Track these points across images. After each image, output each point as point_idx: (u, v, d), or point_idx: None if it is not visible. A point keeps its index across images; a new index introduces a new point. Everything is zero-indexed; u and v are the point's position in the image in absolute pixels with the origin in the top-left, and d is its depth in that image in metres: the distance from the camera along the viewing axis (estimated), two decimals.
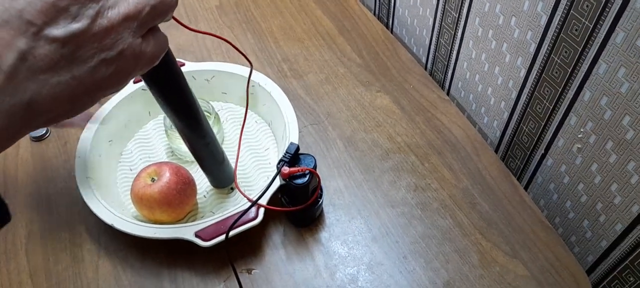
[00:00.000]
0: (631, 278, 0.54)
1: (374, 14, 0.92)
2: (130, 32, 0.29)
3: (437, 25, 0.73)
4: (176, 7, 0.33)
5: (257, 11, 0.86)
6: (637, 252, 0.52)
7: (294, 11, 0.86)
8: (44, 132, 0.66)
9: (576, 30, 0.48)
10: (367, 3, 0.94)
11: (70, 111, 0.29)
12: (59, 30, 0.26)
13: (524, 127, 0.62)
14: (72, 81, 0.27)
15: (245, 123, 0.67)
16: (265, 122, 0.67)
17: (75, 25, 0.27)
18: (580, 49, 0.49)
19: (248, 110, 0.67)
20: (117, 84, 0.30)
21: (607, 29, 0.45)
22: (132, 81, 0.66)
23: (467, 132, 0.66)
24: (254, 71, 0.66)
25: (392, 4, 0.84)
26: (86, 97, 0.29)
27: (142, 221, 0.54)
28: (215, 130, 0.61)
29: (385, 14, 0.88)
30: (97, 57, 0.28)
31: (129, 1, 0.29)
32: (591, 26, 0.47)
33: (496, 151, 0.71)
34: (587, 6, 0.46)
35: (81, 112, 0.30)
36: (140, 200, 0.52)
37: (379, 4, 0.89)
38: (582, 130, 0.53)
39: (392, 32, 0.89)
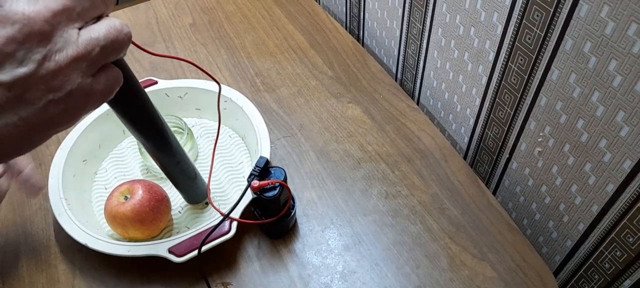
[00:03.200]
0: (596, 276, 0.56)
1: (345, 26, 0.94)
2: (80, 73, 0.29)
3: (404, 36, 0.75)
4: (129, 45, 0.32)
5: (230, 27, 0.87)
6: (600, 250, 0.54)
7: (266, 26, 0.87)
8: None
9: (529, 38, 0.51)
10: (339, 16, 0.96)
11: (21, 149, 0.30)
12: (4, 75, 0.26)
13: (489, 133, 0.64)
14: (19, 122, 0.27)
15: (220, 138, 0.68)
16: (239, 136, 0.68)
17: (22, 70, 0.26)
18: (534, 57, 0.51)
19: (222, 125, 0.69)
20: (66, 122, 0.30)
21: (557, 37, 0.47)
22: None
23: (436, 139, 0.67)
24: (226, 87, 0.68)
25: (362, 17, 0.86)
26: (35, 136, 0.29)
27: (117, 239, 0.54)
28: (188, 146, 0.62)
29: (356, 27, 0.90)
30: (45, 99, 0.28)
31: (78, 43, 0.29)
32: (542, 35, 0.49)
33: (465, 157, 0.73)
34: (537, 15, 0.48)
35: (33, 149, 0.30)
36: (113, 218, 0.53)
37: (350, 16, 0.91)
38: (541, 134, 0.55)
39: (363, 44, 0.91)
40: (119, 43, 0.31)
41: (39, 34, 0.27)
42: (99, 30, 0.30)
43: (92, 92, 0.31)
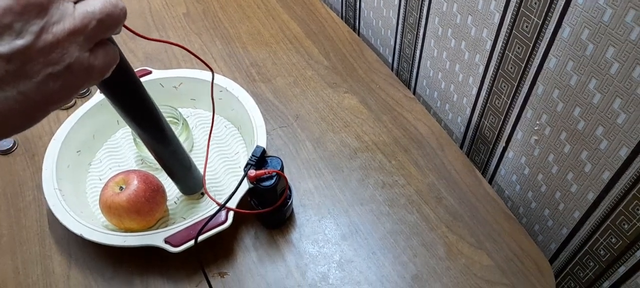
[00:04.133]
0: (591, 263, 0.57)
1: (341, 16, 0.94)
2: (77, 47, 0.29)
3: (400, 25, 0.75)
4: (125, 20, 0.33)
5: (224, 17, 0.87)
6: (595, 238, 0.54)
7: (262, 16, 0.87)
8: (12, 145, 0.66)
9: (527, 26, 0.51)
10: (334, 6, 0.95)
11: (21, 124, 0.30)
12: (2, 47, 0.26)
13: (486, 122, 0.64)
14: (19, 96, 0.28)
15: (215, 128, 0.67)
16: (235, 126, 0.68)
17: (20, 42, 0.27)
18: (531, 45, 0.51)
19: (217, 116, 0.68)
20: (66, 97, 0.30)
21: (554, 24, 0.47)
22: (98, 91, 0.66)
23: (432, 128, 0.67)
24: (221, 77, 0.67)
25: (358, 6, 0.86)
26: (35, 111, 0.29)
27: (112, 230, 0.54)
28: (183, 136, 0.62)
29: (351, 16, 0.90)
30: (44, 72, 0.28)
31: (74, 16, 0.29)
32: (540, 22, 0.49)
33: (461, 146, 0.73)
34: (535, 3, 0.48)
35: (32, 126, 0.30)
36: (108, 209, 0.53)
37: (346, 6, 0.91)
38: (537, 122, 0.55)
39: (359, 33, 0.90)
40: (115, 18, 0.31)
41: (36, 5, 0.27)
42: (95, 5, 0.30)
43: (90, 67, 0.31)
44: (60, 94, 0.30)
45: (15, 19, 0.26)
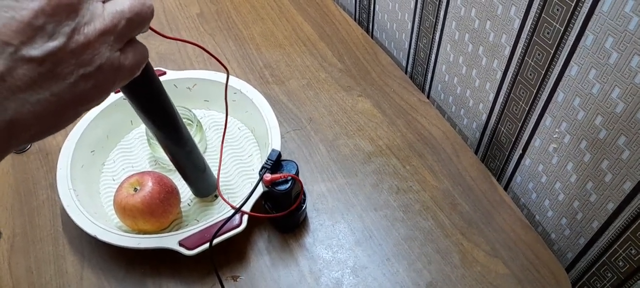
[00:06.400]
0: (608, 274, 0.56)
1: (355, 19, 0.93)
2: (108, 46, 0.29)
3: (415, 29, 0.74)
4: (153, 18, 0.32)
5: (238, 18, 0.86)
6: (614, 248, 0.54)
7: (275, 17, 0.86)
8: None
9: (548, 33, 0.50)
10: (348, 8, 0.94)
11: (54, 126, 0.29)
12: (35, 50, 0.26)
13: (502, 128, 0.64)
14: (52, 98, 0.27)
15: (229, 130, 0.67)
16: (248, 128, 0.67)
17: (52, 44, 0.26)
18: (552, 52, 0.50)
19: (231, 117, 0.68)
20: (98, 97, 0.30)
21: (577, 32, 0.46)
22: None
23: (447, 133, 0.67)
24: (235, 78, 0.67)
25: (372, 9, 0.85)
26: (68, 112, 0.29)
27: (126, 231, 0.54)
28: (197, 138, 0.61)
29: (365, 19, 0.89)
30: (76, 74, 0.28)
31: (104, 16, 0.29)
32: (562, 29, 0.48)
33: (476, 152, 0.72)
34: (557, 10, 0.47)
35: (65, 127, 0.30)
36: (123, 210, 0.52)
37: (359, 8, 0.90)
38: (557, 130, 0.55)
39: (372, 36, 0.90)
40: (143, 16, 0.31)
41: (67, 6, 0.27)
42: (123, 3, 0.30)
43: (121, 67, 0.31)
44: (92, 94, 0.30)
45: (47, 20, 0.26)
